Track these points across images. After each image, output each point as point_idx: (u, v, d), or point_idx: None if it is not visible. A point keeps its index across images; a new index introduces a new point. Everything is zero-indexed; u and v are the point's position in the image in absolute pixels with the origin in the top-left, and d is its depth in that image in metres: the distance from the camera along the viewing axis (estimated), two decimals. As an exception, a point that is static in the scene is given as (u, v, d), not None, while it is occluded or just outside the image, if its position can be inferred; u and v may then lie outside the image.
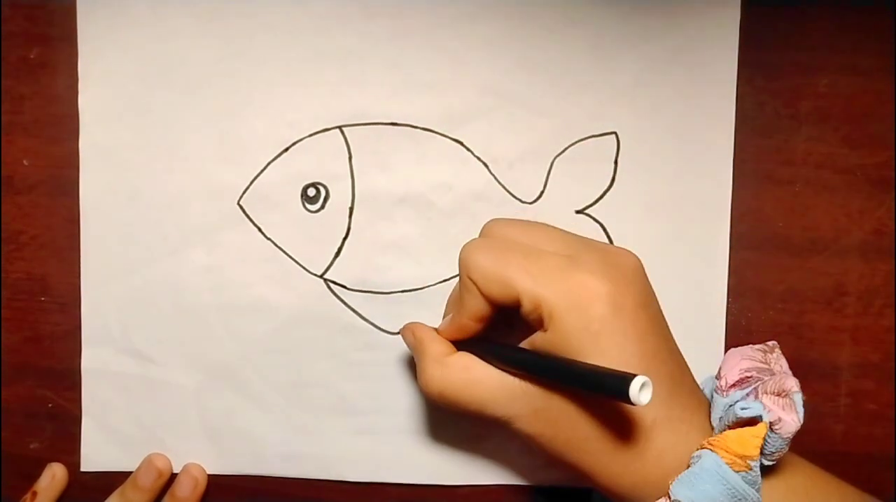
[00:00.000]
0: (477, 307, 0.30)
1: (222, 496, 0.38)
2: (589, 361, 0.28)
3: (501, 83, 0.36)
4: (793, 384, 0.29)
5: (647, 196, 0.36)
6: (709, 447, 0.28)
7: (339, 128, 0.36)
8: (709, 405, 0.31)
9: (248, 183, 0.36)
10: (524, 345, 0.30)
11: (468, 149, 0.36)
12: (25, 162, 0.37)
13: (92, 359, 0.37)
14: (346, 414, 0.37)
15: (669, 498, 0.28)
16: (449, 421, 0.37)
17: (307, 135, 0.36)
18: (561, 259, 0.30)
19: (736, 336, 0.36)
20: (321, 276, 0.37)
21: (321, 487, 0.38)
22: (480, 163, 0.36)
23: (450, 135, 0.36)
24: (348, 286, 0.37)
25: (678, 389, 0.30)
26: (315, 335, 0.37)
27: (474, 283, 0.30)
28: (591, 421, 0.29)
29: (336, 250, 0.36)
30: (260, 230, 0.37)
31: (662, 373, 0.29)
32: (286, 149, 0.36)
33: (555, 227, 0.32)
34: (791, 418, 0.28)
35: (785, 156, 0.36)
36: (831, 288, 0.36)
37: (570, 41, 0.35)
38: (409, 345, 0.34)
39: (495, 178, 0.36)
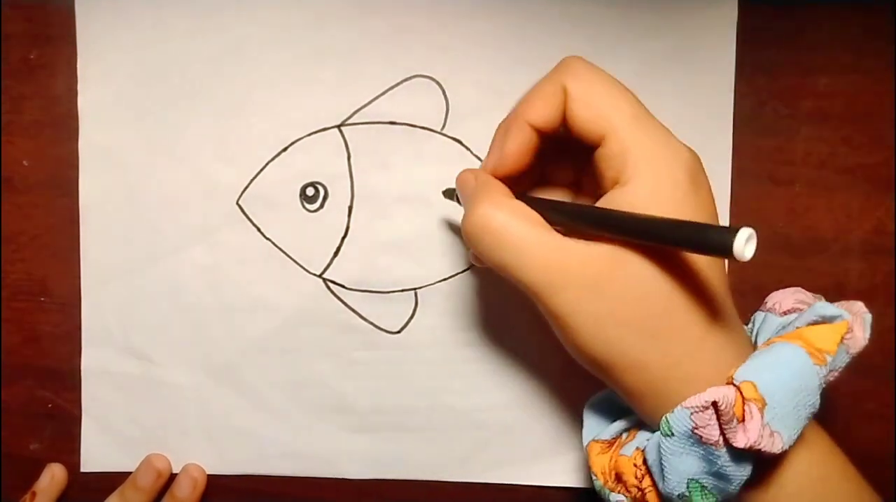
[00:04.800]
0: (547, 113, 0.27)
1: (222, 496, 0.38)
2: None
3: (500, 81, 0.36)
4: (862, 307, 0.28)
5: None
6: (784, 341, 0.26)
7: (338, 127, 0.36)
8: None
9: (247, 182, 0.36)
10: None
11: (467, 148, 0.36)
12: (25, 162, 0.37)
13: (92, 360, 0.37)
14: (345, 412, 0.37)
15: (732, 382, 0.25)
16: (449, 419, 0.37)
17: (306, 134, 0.36)
18: (653, 118, 0.27)
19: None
20: (320, 276, 0.37)
21: (321, 485, 0.38)
22: (479, 162, 0.36)
23: (449, 134, 0.36)
24: (347, 285, 0.37)
25: (730, 292, 0.28)
26: (314, 334, 0.37)
27: (567, 92, 0.27)
28: (667, 293, 0.25)
29: (335, 249, 0.36)
30: (259, 230, 0.37)
31: (722, 274, 0.27)
32: (285, 149, 0.36)
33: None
34: (860, 334, 0.27)
35: (785, 157, 0.36)
36: (831, 288, 0.36)
37: (569, 39, 0.35)
38: (460, 189, 0.30)
39: (494, 178, 0.36)
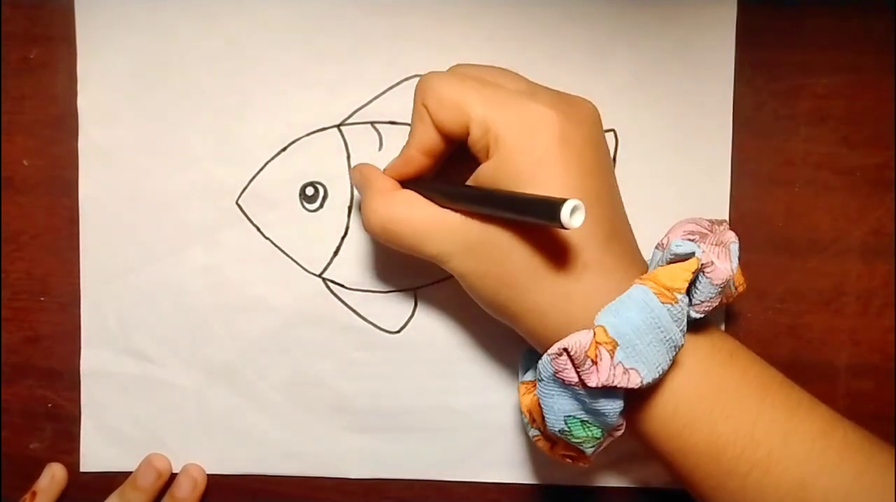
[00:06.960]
0: (426, 136, 0.30)
1: (222, 496, 0.38)
2: (528, 191, 0.27)
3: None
4: (731, 236, 0.29)
5: (645, 195, 0.36)
6: (638, 282, 0.28)
7: (338, 127, 0.36)
8: (647, 266, 0.31)
9: (246, 182, 0.36)
10: (468, 182, 0.30)
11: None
12: (25, 162, 0.37)
13: (92, 360, 0.37)
14: (345, 412, 0.37)
15: (593, 327, 0.27)
16: (449, 419, 0.37)
17: (305, 134, 0.36)
18: (518, 92, 0.30)
19: (734, 336, 0.36)
20: (320, 276, 0.37)
21: (321, 486, 0.38)
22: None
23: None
24: (347, 285, 0.37)
25: (616, 238, 0.29)
26: (314, 334, 0.37)
27: (427, 110, 0.30)
28: (524, 255, 0.28)
29: (335, 249, 0.37)
30: (258, 229, 0.37)
31: (601, 216, 0.29)
32: (284, 149, 0.36)
33: (517, 73, 0.32)
34: (724, 266, 0.29)
35: (784, 157, 0.36)
36: (830, 288, 0.36)
37: (568, 39, 0.35)
38: (356, 184, 0.34)
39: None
